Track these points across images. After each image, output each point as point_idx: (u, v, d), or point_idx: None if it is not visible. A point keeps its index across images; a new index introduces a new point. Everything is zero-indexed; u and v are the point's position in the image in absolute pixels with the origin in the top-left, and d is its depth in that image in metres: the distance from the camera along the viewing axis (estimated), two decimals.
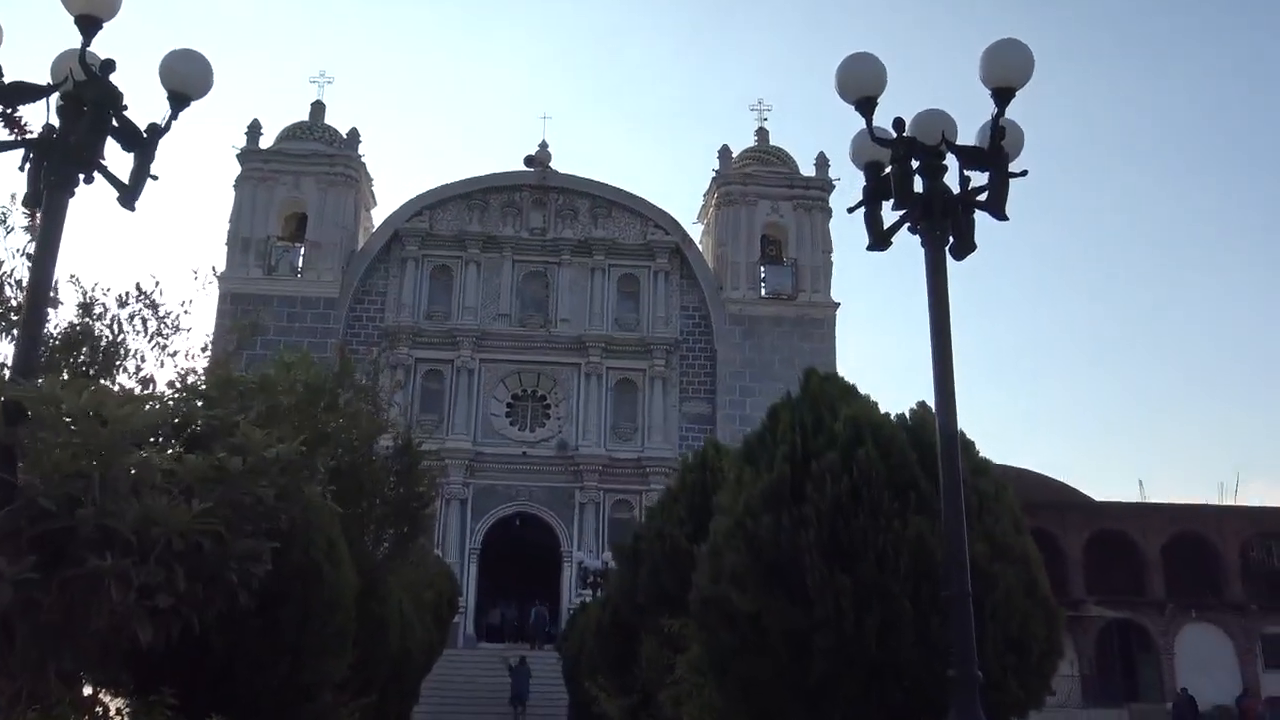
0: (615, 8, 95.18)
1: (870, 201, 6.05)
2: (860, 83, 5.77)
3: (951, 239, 5.82)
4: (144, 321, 7.12)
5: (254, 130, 38.65)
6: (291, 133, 39.67)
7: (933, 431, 6.53)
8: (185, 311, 7.56)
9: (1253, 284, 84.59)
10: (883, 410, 7.00)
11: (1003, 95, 5.60)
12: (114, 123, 5.45)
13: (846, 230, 64.63)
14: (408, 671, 18.97)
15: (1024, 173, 5.63)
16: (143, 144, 5.61)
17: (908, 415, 6.89)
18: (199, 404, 6.67)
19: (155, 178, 5.72)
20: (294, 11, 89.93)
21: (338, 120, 40.71)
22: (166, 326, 7.58)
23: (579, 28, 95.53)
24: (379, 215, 40.51)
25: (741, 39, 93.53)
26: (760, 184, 39.94)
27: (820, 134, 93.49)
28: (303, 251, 37.79)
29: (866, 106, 5.79)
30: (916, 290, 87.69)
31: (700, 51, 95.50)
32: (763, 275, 39.21)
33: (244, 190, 37.87)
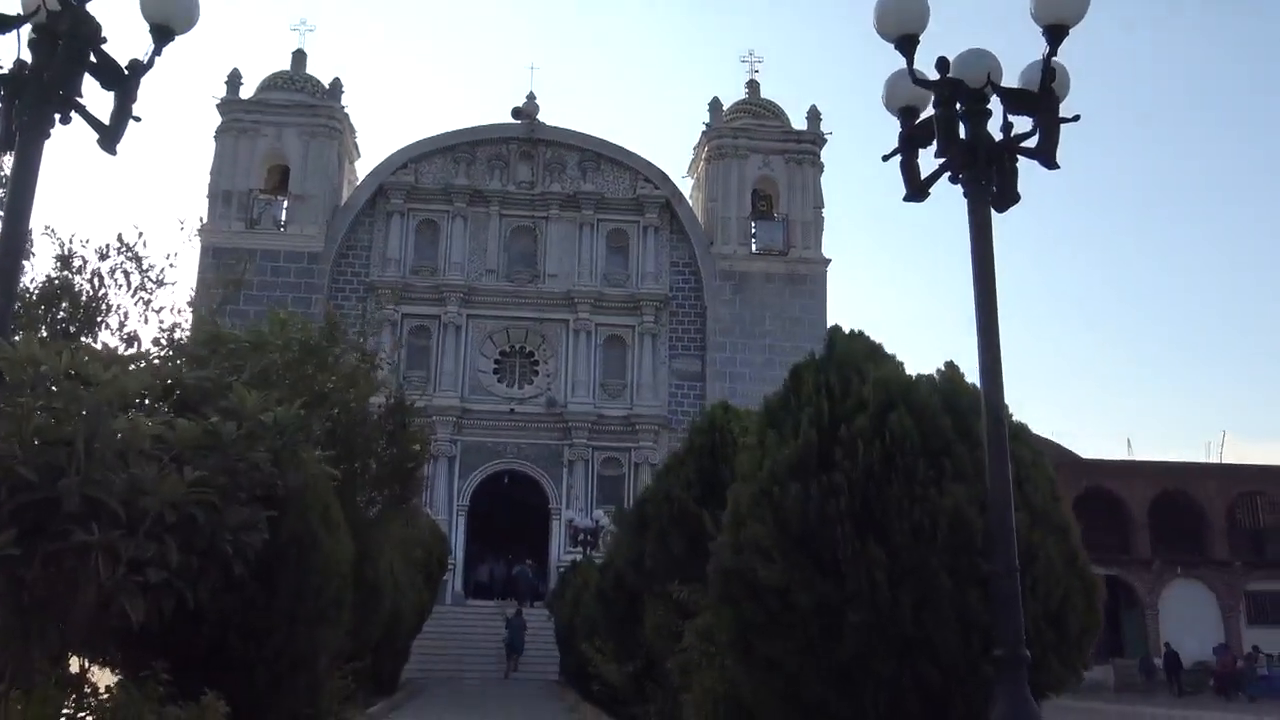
0: None
1: (906, 149, 5.66)
2: (902, 18, 5.36)
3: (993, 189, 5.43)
4: (126, 275, 6.68)
5: (234, 80, 37.72)
6: (273, 82, 38.74)
7: (965, 394, 6.22)
8: (170, 264, 7.11)
9: (1240, 239, 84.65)
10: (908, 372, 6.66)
11: (1056, 33, 5.20)
12: (92, 58, 4.98)
13: (838, 185, 64.11)
14: (399, 632, 18.78)
15: (1076, 117, 5.25)
16: (124, 82, 5.16)
17: (936, 377, 6.55)
18: (186, 364, 6.26)
19: (138, 119, 5.28)
20: None
21: (320, 70, 39.82)
22: (150, 281, 7.13)
23: None
24: (363, 168, 39.76)
25: None
26: (751, 137, 39.33)
27: (812, 87, 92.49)
28: (285, 204, 37.05)
29: (907, 45, 5.38)
30: (908, 246, 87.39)
31: (690, 1, 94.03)
32: (753, 230, 38.74)
33: (225, 141, 37.02)
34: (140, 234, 6.68)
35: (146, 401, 5.95)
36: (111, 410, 4.82)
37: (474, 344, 36.63)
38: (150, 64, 5.26)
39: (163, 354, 6.36)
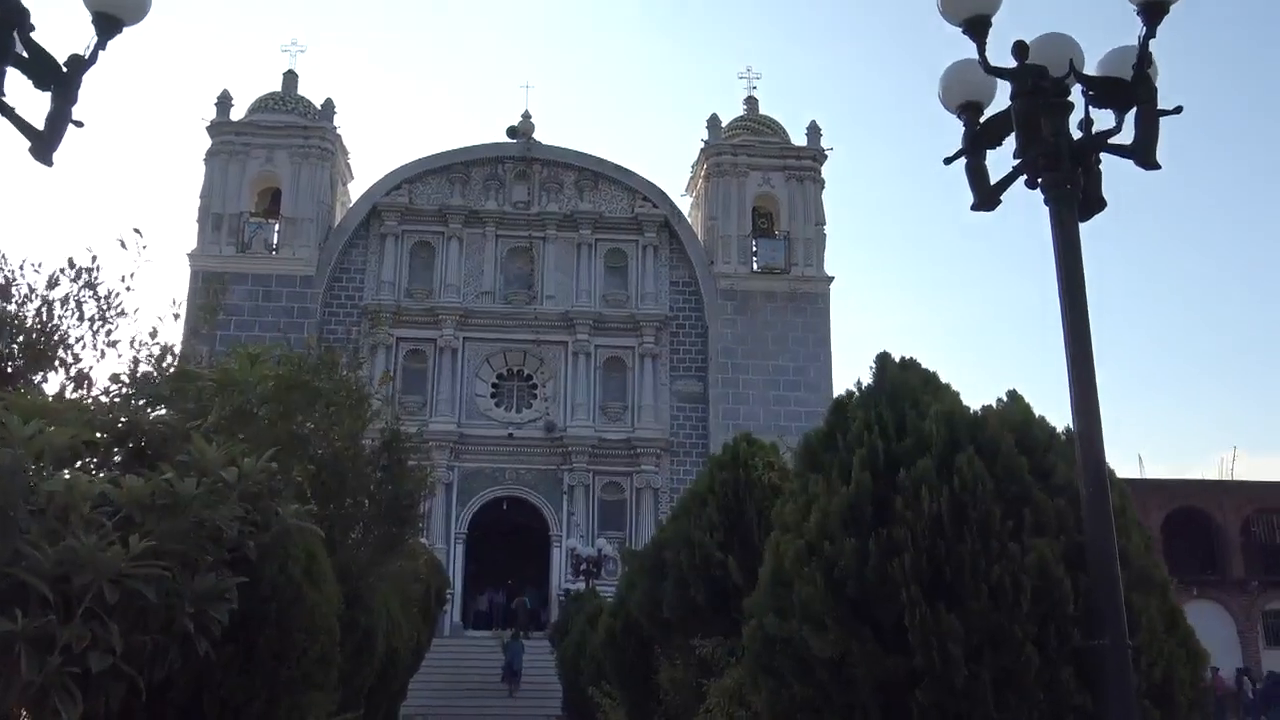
0: None
1: (973, 150, 4.89)
2: None
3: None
4: (79, 305, 5.88)
5: (224, 101, 37.05)
6: (263, 104, 38.09)
7: (1039, 430, 5.43)
8: (127, 288, 6.30)
9: (1248, 258, 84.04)
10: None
11: (1153, 11, 4.45)
12: (20, 50, 4.20)
13: (840, 202, 63.49)
14: (395, 674, 17.88)
15: (1178, 109, 4.50)
16: (62, 80, 4.37)
17: (996, 407, 5.76)
18: (149, 405, 5.46)
19: (79, 124, 4.49)
20: None
21: (312, 91, 39.17)
22: (109, 309, 6.32)
23: None
24: (356, 190, 39.06)
25: (728, 5, 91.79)
26: (751, 154, 38.69)
27: (811, 104, 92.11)
28: (277, 228, 36.32)
29: (979, 28, 4.62)
30: (912, 263, 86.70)
31: (687, 18, 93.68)
32: (754, 249, 38.06)
33: (214, 164, 36.31)
34: (94, 257, 5.87)
35: (97, 451, 5.13)
36: (42, 469, 4.02)
37: (471, 368, 35.83)
38: (93, 59, 4.48)
39: (119, 395, 5.52)
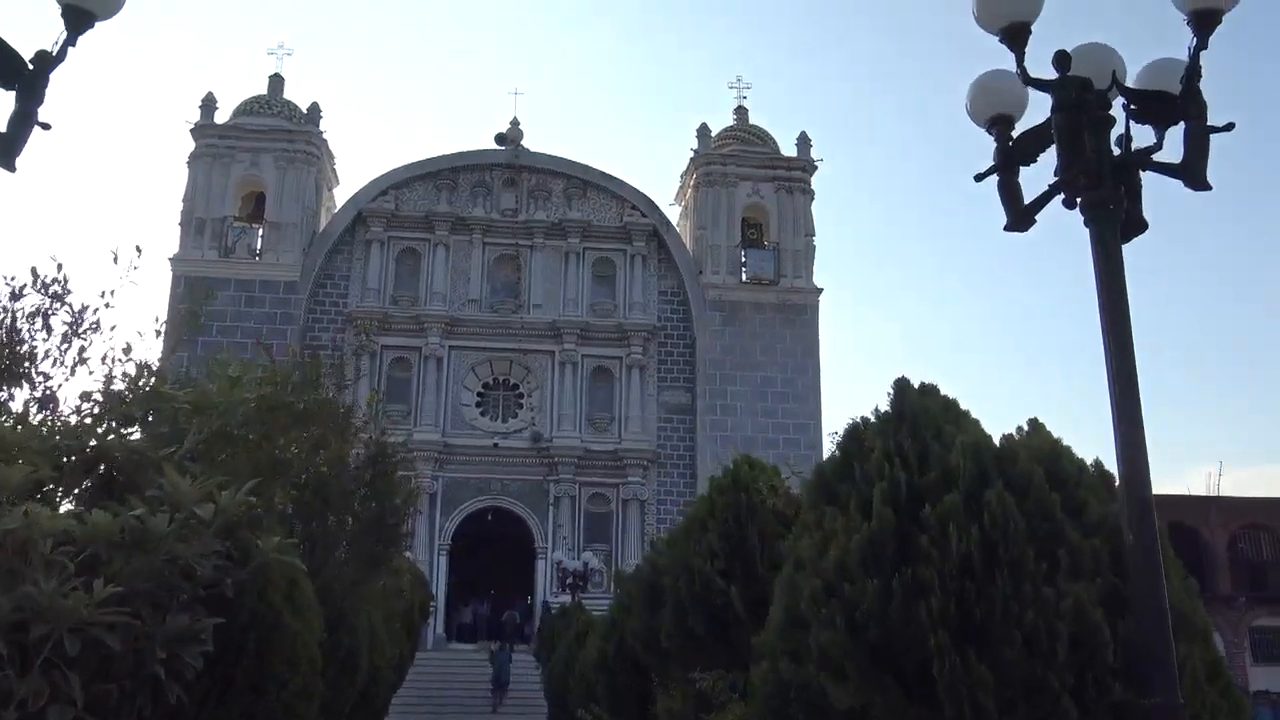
0: None
1: (1005, 168, 4.59)
2: (1011, 4, 4.31)
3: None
4: (46, 319, 5.51)
5: (209, 104, 36.56)
6: (249, 107, 37.63)
7: (1069, 464, 5.13)
8: (106, 305, 5.93)
9: (1235, 272, 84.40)
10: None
11: (1206, 21, 4.16)
12: None
13: (829, 213, 63.48)
14: (377, 693, 17.45)
15: (1229, 126, 4.21)
16: (27, 79, 4.02)
17: (1019, 438, 5.45)
18: (119, 427, 5.10)
19: (47, 126, 4.14)
20: None
21: (298, 95, 38.77)
22: (81, 324, 5.95)
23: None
24: (342, 195, 38.61)
25: (718, 14, 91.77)
26: (740, 164, 38.46)
27: (801, 115, 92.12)
28: (261, 233, 35.84)
29: (1017, 37, 4.32)
30: (899, 278, 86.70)
31: (677, 27, 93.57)
32: (744, 259, 37.78)
33: (198, 168, 35.80)
34: (60, 266, 5.50)
35: (57, 479, 4.77)
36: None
37: (456, 377, 35.41)
38: (61, 56, 4.13)
39: (89, 415, 5.16)
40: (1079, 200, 4.31)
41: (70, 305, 5.97)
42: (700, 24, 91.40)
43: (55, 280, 5.76)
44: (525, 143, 38.22)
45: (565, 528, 33.79)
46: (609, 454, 34.78)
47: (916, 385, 5.61)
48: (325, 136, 37.76)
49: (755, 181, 38.39)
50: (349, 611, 11.08)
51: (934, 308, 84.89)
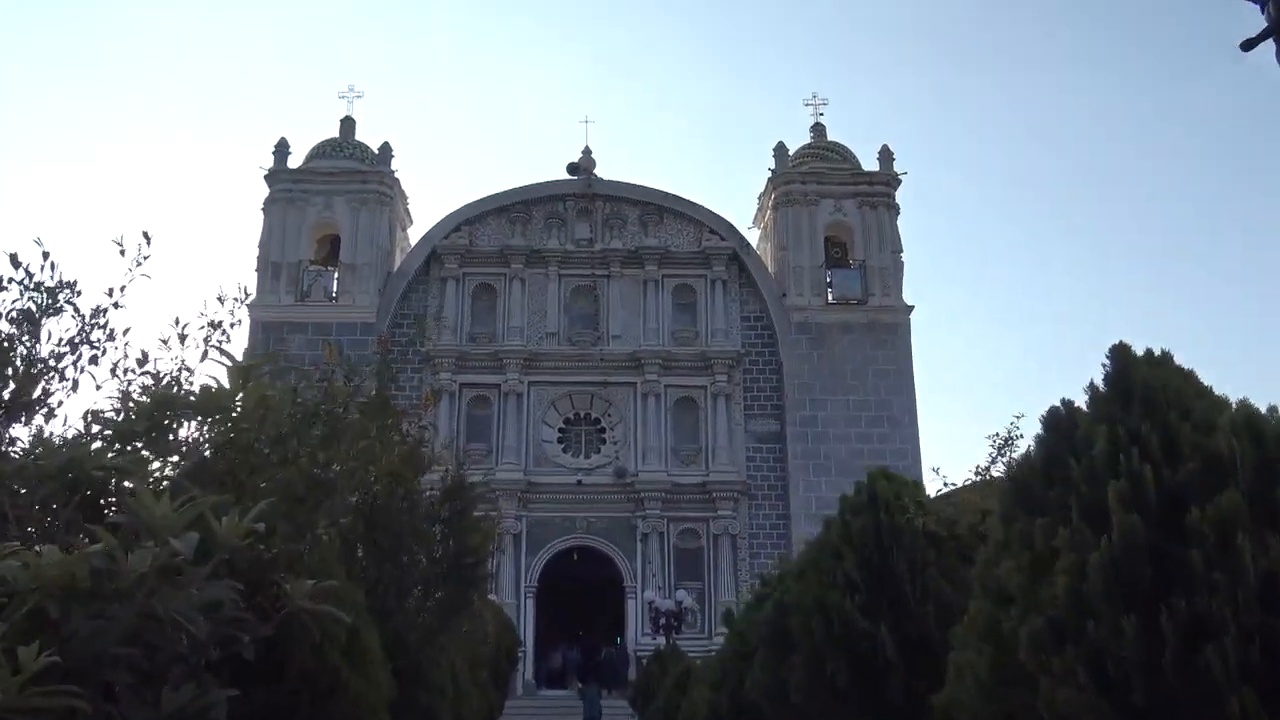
0: (654, 4, 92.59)
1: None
2: None
3: None
4: (31, 320, 4.46)
5: (282, 149, 36.53)
6: (321, 150, 37.51)
7: None
8: (115, 304, 4.90)
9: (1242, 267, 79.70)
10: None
11: None
12: None
13: (916, 228, 61.31)
14: None
15: None
16: None
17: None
18: (113, 444, 4.01)
19: None
20: (318, 25, 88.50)
21: (369, 136, 38.52)
22: (92, 328, 4.93)
23: (617, 26, 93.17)
24: (415, 234, 38.18)
25: (789, 32, 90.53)
26: (821, 181, 37.07)
27: (880, 129, 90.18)
28: (336, 275, 35.50)
29: None
30: (995, 289, 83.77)
31: (746, 45, 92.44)
32: (828, 279, 36.26)
33: (273, 213, 35.68)
34: (46, 254, 4.46)
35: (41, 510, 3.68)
36: None
37: (536, 413, 34.43)
38: None
39: (98, 439, 4.07)
40: None
41: (74, 305, 4.94)
42: (770, 42, 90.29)
43: (64, 275, 4.73)
44: (598, 171, 37.44)
45: (655, 565, 32.41)
46: (697, 487, 33.38)
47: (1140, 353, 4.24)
48: (397, 176, 37.46)
49: (837, 199, 36.95)
50: (426, 664, 9.93)
51: (1036, 321, 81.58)
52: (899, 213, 37.21)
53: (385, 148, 37.37)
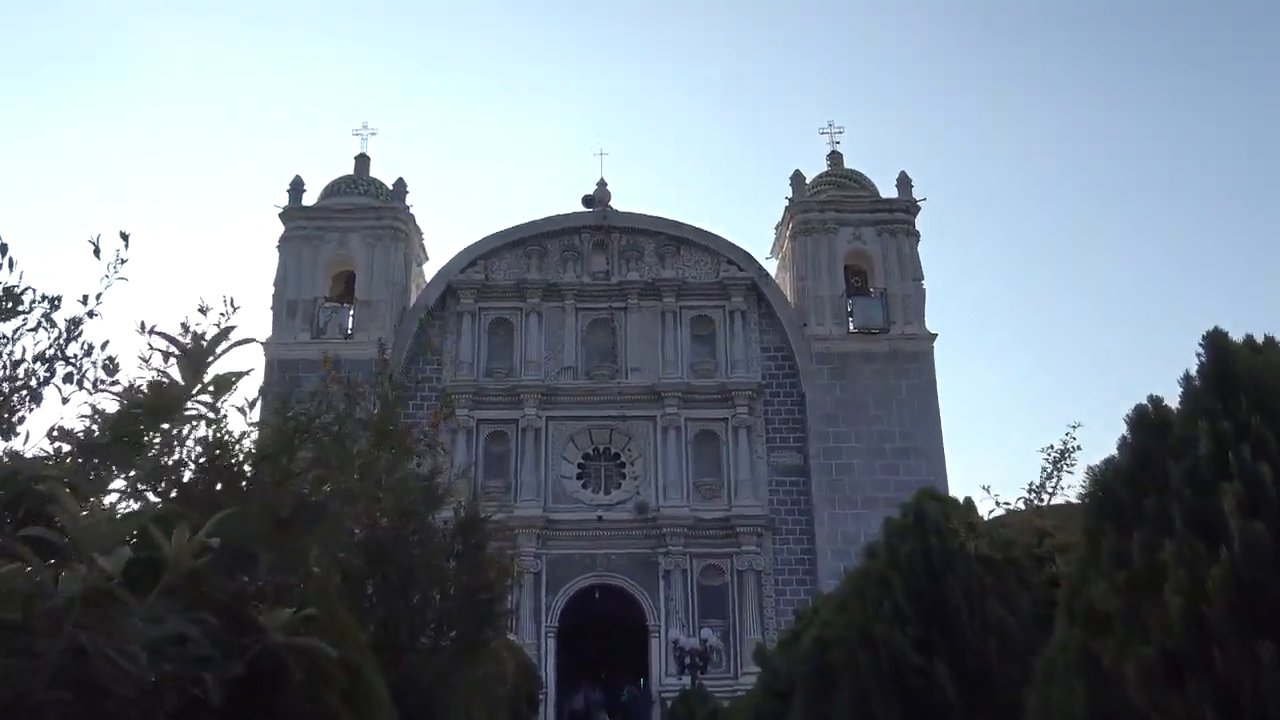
0: (667, 36, 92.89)
1: None
2: None
3: None
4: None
5: (296, 187, 36.44)
6: (335, 188, 37.41)
7: None
8: (90, 313, 4.43)
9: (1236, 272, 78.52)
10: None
11: None
12: None
13: (937, 255, 60.76)
14: None
15: None
16: None
17: None
18: (72, 459, 3.52)
19: None
20: (332, 64, 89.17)
21: (383, 172, 38.42)
22: (68, 340, 4.48)
23: (632, 58, 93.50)
24: (431, 270, 37.92)
25: (803, 62, 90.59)
26: (839, 209, 36.64)
27: (897, 156, 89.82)
28: (351, 312, 35.22)
29: None
30: (1019, 316, 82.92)
31: (760, 76, 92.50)
32: (849, 308, 35.71)
33: (288, 251, 35.50)
34: (5, 248, 4.01)
35: None
36: None
37: (555, 448, 33.89)
38: None
39: (66, 457, 3.60)
40: None
41: (52, 318, 4.51)
42: (785, 71, 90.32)
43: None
44: (613, 203, 37.16)
45: (678, 603, 31.66)
46: (719, 522, 32.68)
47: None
48: (412, 211, 37.27)
49: (856, 226, 36.49)
50: (438, 707, 9.35)
51: (1064, 348, 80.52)
52: (919, 239, 36.73)
53: (400, 184, 37.24)
